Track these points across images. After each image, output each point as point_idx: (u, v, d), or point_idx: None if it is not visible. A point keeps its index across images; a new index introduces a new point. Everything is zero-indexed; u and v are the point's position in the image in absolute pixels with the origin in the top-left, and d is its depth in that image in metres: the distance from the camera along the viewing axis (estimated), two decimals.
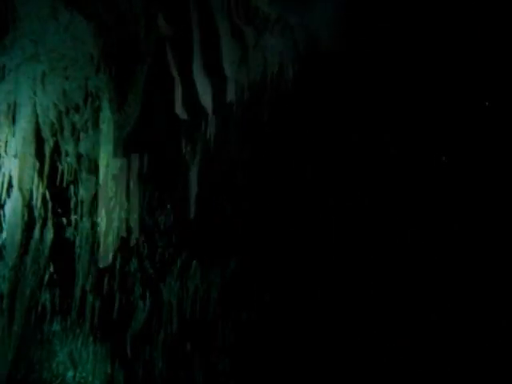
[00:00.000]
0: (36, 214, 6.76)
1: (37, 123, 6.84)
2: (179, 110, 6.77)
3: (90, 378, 6.31)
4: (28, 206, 6.78)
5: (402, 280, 5.33)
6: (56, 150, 6.85)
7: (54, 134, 6.80)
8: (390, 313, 5.30)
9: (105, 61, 6.49)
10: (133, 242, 6.59)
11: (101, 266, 6.59)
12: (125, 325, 6.42)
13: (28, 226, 6.75)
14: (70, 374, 6.40)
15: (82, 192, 6.77)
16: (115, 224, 6.65)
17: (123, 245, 6.60)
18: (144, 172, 6.76)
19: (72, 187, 6.91)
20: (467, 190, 5.34)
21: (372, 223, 5.62)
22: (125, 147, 6.69)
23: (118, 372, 6.27)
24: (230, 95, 6.52)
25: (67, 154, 6.77)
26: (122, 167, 6.73)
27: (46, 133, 6.81)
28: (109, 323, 6.48)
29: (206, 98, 6.65)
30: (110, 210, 6.72)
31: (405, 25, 5.75)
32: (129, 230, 6.64)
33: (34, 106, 6.77)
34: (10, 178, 6.88)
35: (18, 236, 6.65)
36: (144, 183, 6.72)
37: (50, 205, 6.83)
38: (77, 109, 6.69)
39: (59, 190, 6.90)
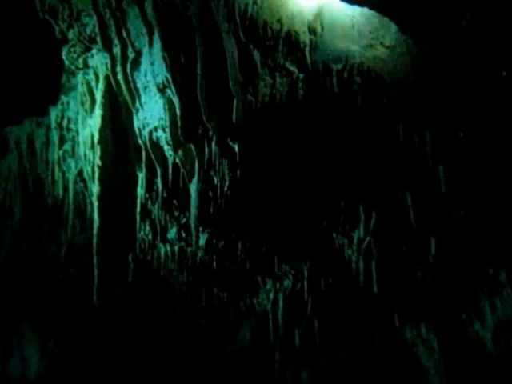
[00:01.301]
0: None
1: None
2: (182, 135, 6.20)
3: None
4: None
5: (403, 281, 6.48)
6: None
7: None
8: (390, 313, 6.44)
9: None
10: None
11: None
12: None
13: None
14: None
15: None
16: None
17: None
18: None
19: None
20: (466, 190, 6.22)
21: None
22: None
23: None
24: (237, 118, 6.21)
25: None
26: None
27: None
28: None
29: (210, 122, 6.18)
30: None
31: None
32: None
33: None
34: None
35: None
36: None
37: None
38: None
39: None
